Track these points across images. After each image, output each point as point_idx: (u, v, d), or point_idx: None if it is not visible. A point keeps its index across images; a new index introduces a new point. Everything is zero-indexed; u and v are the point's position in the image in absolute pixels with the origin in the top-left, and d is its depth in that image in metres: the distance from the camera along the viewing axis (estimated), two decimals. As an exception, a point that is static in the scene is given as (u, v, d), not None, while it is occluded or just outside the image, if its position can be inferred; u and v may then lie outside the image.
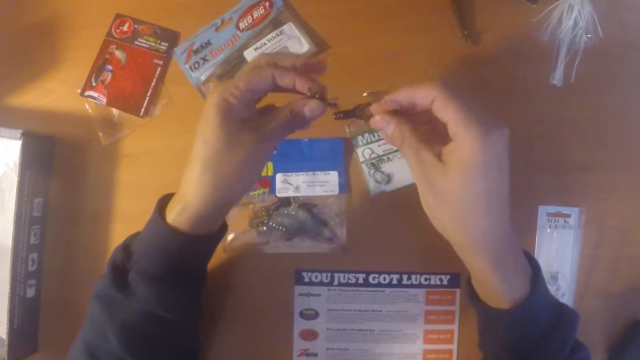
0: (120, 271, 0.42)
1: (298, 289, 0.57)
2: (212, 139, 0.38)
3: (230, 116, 0.39)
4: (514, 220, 0.55)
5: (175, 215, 0.41)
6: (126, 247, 0.44)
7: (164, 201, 0.44)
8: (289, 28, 0.59)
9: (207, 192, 0.40)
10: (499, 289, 0.40)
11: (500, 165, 0.36)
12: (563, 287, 0.55)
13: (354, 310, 0.57)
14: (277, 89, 0.41)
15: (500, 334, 0.42)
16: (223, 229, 0.47)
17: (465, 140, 0.35)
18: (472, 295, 0.44)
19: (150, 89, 0.60)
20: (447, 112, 0.36)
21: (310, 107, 0.41)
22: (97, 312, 0.43)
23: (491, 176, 0.36)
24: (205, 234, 0.43)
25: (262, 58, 0.42)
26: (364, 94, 0.40)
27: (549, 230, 0.55)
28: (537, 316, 0.41)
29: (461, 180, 0.36)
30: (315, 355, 0.57)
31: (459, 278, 0.56)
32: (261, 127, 0.40)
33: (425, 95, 0.37)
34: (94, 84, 0.60)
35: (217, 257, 0.47)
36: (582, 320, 0.54)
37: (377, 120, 0.40)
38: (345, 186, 0.57)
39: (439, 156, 0.37)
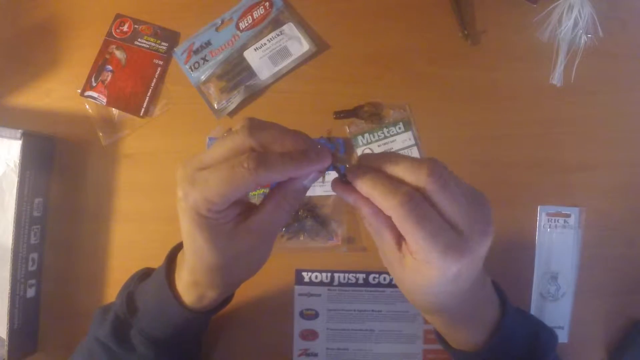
0: (122, 325, 0.42)
1: (298, 289, 0.57)
2: (210, 259, 0.34)
3: (217, 231, 0.33)
4: (514, 221, 0.56)
5: (188, 297, 0.39)
6: (130, 301, 0.42)
7: (172, 259, 0.42)
8: (289, 28, 0.59)
9: (224, 289, 0.39)
10: (457, 339, 0.41)
11: (459, 280, 0.32)
12: (563, 287, 0.55)
13: (354, 310, 0.57)
14: None
15: None
16: (230, 297, 0.46)
17: (422, 264, 0.31)
18: (437, 336, 0.44)
19: (150, 89, 0.60)
20: (405, 233, 0.31)
21: (312, 179, 0.34)
22: (96, 351, 0.42)
23: (447, 288, 0.33)
24: (214, 307, 0.43)
25: (243, 140, 0.31)
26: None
27: (549, 230, 0.55)
28: (506, 351, 0.40)
29: (413, 284, 0.34)
30: (315, 355, 0.57)
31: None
32: (261, 226, 0.34)
33: (383, 207, 0.31)
34: (94, 84, 0.60)
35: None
36: (582, 320, 0.55)
37: (339, 191, 0.34)
38: (345, 186, 0.57)
39: (399, 244, 0.33)
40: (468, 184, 0.34)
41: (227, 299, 0.45)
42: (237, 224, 0.33)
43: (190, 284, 0.38)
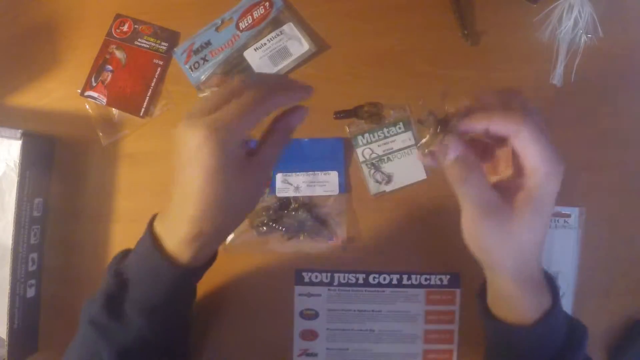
0: (114, 300, 0.42)
1: (298, 289, 0.57)
2: (226, 196, 0.36)
3: (239, 163, 0.36)
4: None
5: (186, 254, 0.40)
6: (119, 275, 0.43)
7: (154, 224, 0.42)
8: (289, 28, 0.59)
9: (222, 236, 0.44)
10: (524, 305, 0.40)
11: (551, 204, 0.37)
12: (563, 287, 0.55)
13: (354, 310, 0.57)
14: None
15: (516, 351, 0.41)
16: (215, 257, 0.47)
17: (543, 182, 0.36)
18: (484, 312, 0.44)
19: (150, 89, 0.60)
20: (531, 149, 0.35)
21: (299, 117, 0.40)
22: (90, 336, 0.42)
23: (549, 212, 0.37)
24: (203, 264, 0.44)
25: (240, 84, 0.37)
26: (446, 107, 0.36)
27: (549, 230, 0.55)
28: (554, 333, 0.41)
29: (531, 224, 0.36)
30: (315, 355, 0.57)
31: (459, 278, 0.56)
32: (265, 159, 0.39)
33: (509, 128, 0.35)
34: (94, 84, 0.60)
35: (218, 257, 0.46)
36: (582, 320, 0.55)
37: (443, 146, 0.36)
38: (345, 186, 0.57)
39: (500, 196, 0.36)
40: None
41: (213, 257, 0.46)
42: (249, 156, 0.38)
43: (190, 238, 0.38)
